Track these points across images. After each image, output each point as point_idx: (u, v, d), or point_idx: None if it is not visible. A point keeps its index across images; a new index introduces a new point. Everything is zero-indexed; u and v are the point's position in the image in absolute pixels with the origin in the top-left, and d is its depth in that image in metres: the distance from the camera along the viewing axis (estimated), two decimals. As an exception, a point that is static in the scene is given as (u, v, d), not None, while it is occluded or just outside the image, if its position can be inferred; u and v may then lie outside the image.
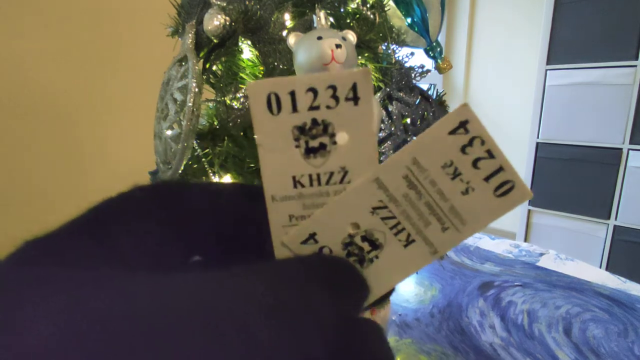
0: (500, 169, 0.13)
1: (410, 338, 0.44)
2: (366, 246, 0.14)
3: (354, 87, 0.13)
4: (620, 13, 1.39)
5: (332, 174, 0.13)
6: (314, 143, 0.13)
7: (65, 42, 0.98)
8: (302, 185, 0.13)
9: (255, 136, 0.13)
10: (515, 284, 0.56)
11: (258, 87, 0.12)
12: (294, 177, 0.13)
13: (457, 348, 0.42)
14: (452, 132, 0.13)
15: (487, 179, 0.13)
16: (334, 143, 0.13)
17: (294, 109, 0.13)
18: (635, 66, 1.39)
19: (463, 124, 0.13)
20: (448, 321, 0.47)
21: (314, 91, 0.13)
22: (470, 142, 0.13)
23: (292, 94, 0.13)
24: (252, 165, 0.35)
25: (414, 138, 0.38)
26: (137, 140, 1.12)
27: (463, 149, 0.13)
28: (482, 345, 0.42)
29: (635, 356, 0.40)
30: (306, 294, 0.11)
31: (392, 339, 0.43)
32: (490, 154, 0.13)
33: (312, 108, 0.13)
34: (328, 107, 0.13)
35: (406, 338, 0.44)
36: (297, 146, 0.13)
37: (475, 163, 0.13)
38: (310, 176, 0.13)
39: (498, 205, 0.13)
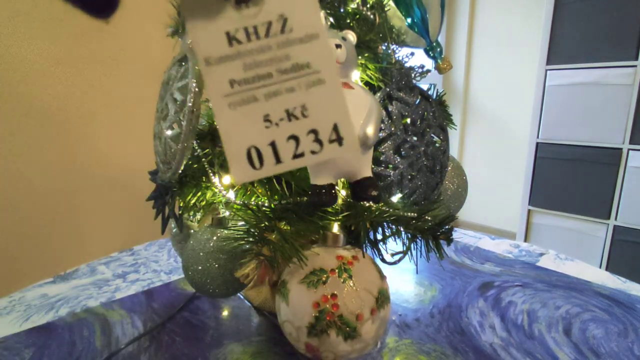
0: None
1: (410, 338, 0.44)
2: None
3: None
4: (620, 13, 1.39)
5: (270, 23, 0.12)
6: None
7: (65, 42, 0.98)
8: (239, 42, 0.12)
9: None
10: (515, 284, 0.56)
11: None
12: (227, 33, 0.12)
13: (457, 348, 0.42)
14: None
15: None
16: None
17: None
18: (635, 66, 1.39)
19: None
20: (448, 321, 0.47)
21: None
22: None
23: None
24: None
25: (414, 138, 0.38)
26: (137, 140, 1.11)
27: None
28: (482, 346, 0.42)
29: (635, 356, 0.40)
30: None
31: (391, 339, 0.43)
32: None
33: None
34: None
35: (406, 338, 0.44)
36: None
37: None
38: (246, 30, 0.12)
39: None
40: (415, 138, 0.37)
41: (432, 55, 0.49)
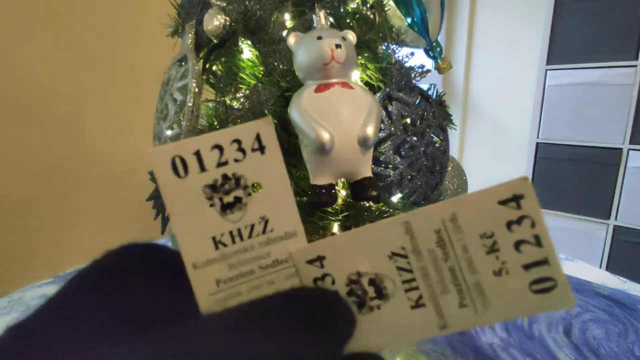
0: (544, 262, 0.11)
1: (410, 338, 0.44)
2: (371, 291, 0.13)
3: (257, 138, 0.13)
4: (620, 13, 1.39)
5: (253, 225, 0.13)
6: (229, 198, 0.13)
7: (64, 42, 0.98)
8: (224, 245, 0.13)
9: (165, 204, 0.12)
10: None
11: (160, 153, 0.12)
12: (213, 238, 0.13)
13: (457, 348, 0.42)
14: (503, 202, 0.11)
15: (526, 267, 0.12)
16: (249, 195, 0.13)
17: (202, 168, 0.13)
18: (635, 66, 1.39)
19: (517, 198, 0.11)
20: (448, 321, 0.47)
21: (219, 148, 0.13)
22: (519, 220, 0.11)
23: (198, 154, 0.12)
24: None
25: (414, 139, 0.38)
26: (137, 140, 1.11)
27: (509, 225, 0.11)
28: (482, 346, 0.42)
29: (635, 357, 0.40)
30: (279, 336, 0.11)
31: (392, 340, 0.43)
32: (538, 241, 0.11)
33: (220, 164, 0.13)
34: (236, 160, 0.13)
35: (406, 338, 0.44)
36: (211, 205, 0.13)
37: (517, 245, 0.12)
38: (230, 233, 0.13)
39: (531, 302, 0.12)
40: (415, 138, 0.37)
41: (432, 55, 0.49)
